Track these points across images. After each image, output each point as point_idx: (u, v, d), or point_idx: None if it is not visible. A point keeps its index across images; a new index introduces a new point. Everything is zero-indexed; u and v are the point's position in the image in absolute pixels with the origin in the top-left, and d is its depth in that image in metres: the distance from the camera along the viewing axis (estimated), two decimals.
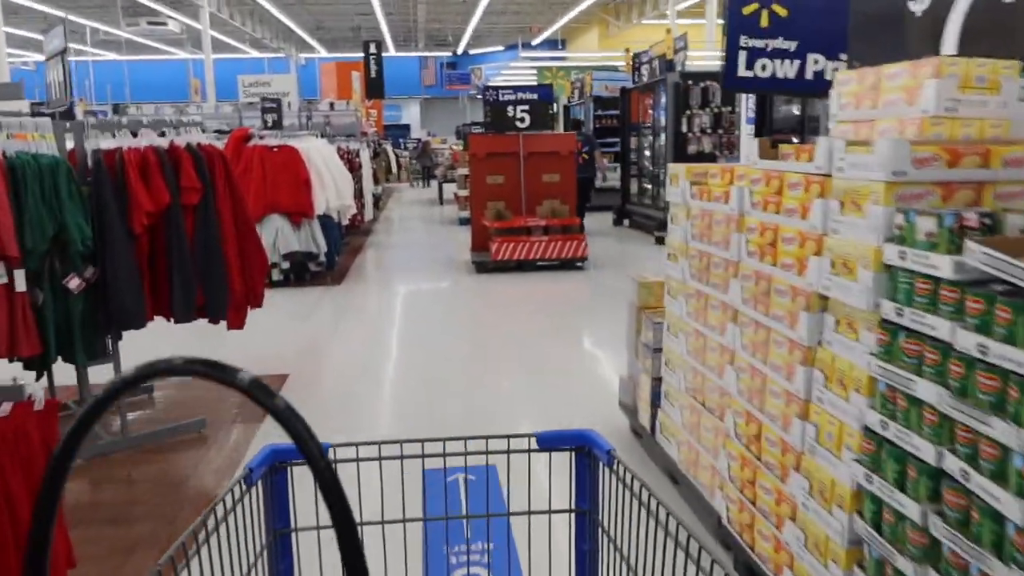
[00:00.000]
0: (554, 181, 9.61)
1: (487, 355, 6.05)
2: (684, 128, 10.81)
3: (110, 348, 4.27)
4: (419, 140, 31.90)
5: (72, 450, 0.68)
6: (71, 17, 27.70)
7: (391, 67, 33.48)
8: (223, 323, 4.44)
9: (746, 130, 8.73)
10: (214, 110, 17.01)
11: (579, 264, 9.18)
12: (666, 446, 3.49)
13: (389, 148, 25.03)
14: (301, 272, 8.73)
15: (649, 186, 12.38)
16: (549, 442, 1.38)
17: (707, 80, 10.74)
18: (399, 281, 9.35)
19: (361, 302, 8.25)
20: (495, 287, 8.57)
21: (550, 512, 1.40)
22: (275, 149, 8.39)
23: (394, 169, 24.76)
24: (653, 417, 3.67)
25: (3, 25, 13.11)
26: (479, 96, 37.69)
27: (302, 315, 7.60)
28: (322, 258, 8.69)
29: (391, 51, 36.81)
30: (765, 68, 3.84)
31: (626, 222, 13.35)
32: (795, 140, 5.73)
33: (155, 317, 4.35)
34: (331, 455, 1.33)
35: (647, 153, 12.51)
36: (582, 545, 1.40)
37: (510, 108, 9.44)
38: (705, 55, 14.14)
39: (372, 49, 25.88)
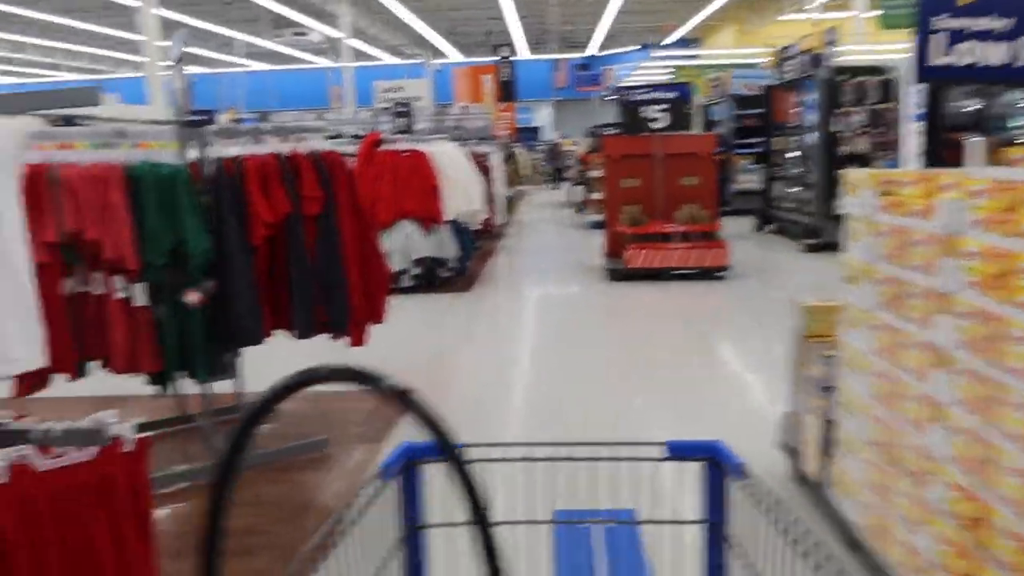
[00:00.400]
0: (693, 184, 9.00)
1: (620, 372, 5.57)
2: (835, 127, 9.91)
3: (230, 364, 4.10)
4: (550, 143, 31.66)
5: (236, 461, 0.69)
6: (224, 31, 29.19)
7: (523, 70, 33.40)
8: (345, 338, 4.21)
9: (911, 128, 7.84)
10: (352, 116, 17.34)
11: (719, 274, 8.53)
12: (842, 504, 2.92)
13: (521, 151, 24.88)
14: (431, 278, 8.53)
15: (795, 189, 11.49)
16: (679, 451, 1.36)
17: (862, 75, 9.81)
18: (529, 287, 9.02)
19: (491, 308, 7.96)
20: (629, 296, 8.07)
21: (678, 523, 1.38)
22: (405, 154, 8.22)
23: (525, 172, 24.57)
24: (824, 466, 3.10)
25: (158, 41, 13.78)
26: (610, 97, 37.10)
27: (432, 322, 7.37)
28: (452, 264, 8.46)
29: (523, 54, 36.78)
30: (967, 53, 3.19)
31: (768, 227, 12.49)
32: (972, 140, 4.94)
33: (275, 332, 4.15)
34: (465, 454, 1.30)
35: (793, 154, 11.63)
36: (713, 558, 1.38)
37: (645, 108, 8.90)
38: (857, 49, 13.05)
39: (504, 53, 25.82)
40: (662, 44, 32.48)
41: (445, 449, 0.67)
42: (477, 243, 11.49)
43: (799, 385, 3.41)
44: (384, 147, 8.29)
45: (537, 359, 5.98)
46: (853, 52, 12.67)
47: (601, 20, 29.67)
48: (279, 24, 28.38)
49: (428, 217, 8.22)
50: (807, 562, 1.03)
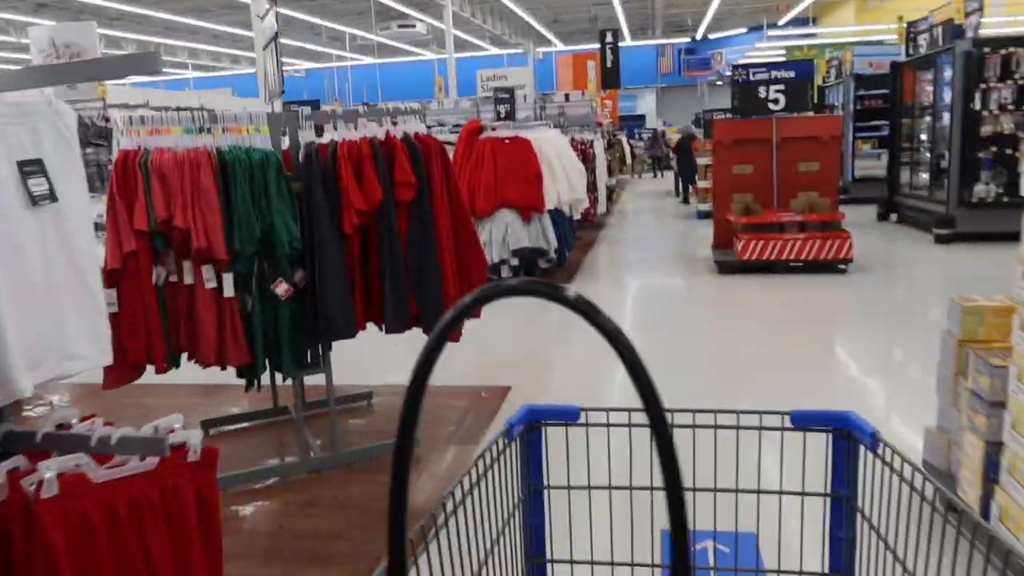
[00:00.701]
0: (813, 170, 8.37)
1: (726, 376, 5.13)
2: (977, 105, 9.02)
3: (320, 358, 3.93)
4: (653, 130, 30.86)
5: (420, 391, 0.67)
6: (332, 24, 29.77)
7: (627, 57, 32.65)
8: None
9: None
10: (454, 105, 17.25)
11: (841, 267, 7.89)
12: (1013, 540, 2.46)
13: (624, 139, 24.33)
14: (531, 269, 8.25)
15: (925, 175, 10.61)
16: (805, 421, 1.32)
17: (1010, 47, 8.88)
18: (632, 279, 8.59)
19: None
20: (740, 291, 7.56)
21: (803, 494, 1.33)
22: (507, 141, 7.95)
23: (628, 160, 24.01)
24: (985, 495, 2.64)
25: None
26: (719, 82, 35.85)
27: (527, 317, 7.10)
28: (552, 254, 8.15)
29: (627, 40, 36.00)
30: None
31: (893, 216, 11.61)
32: None
33: (367, 326, 3.95)
34: (583, 418, 1.37)
35: (923, 137, 10.74)
36: (837, 532, 1.32)
37: (762, 89, 8.33)
38: (999, 20, 11.94)
39: (608, 39, 25.25)
40: (776, 24, 31.10)
41: (636, 378, 0.62)
42: (578, 233, 11.15)
43: (952, 397, 2.93)
44: (485, 135, 8.05)
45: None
46: (997, 24, 11.58)
47: (712, 2, 28.66)
48: (385, 16, 28.77)
49: (529, 206, 7.94)
50: (946, 533, 0.97)
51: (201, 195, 3.39)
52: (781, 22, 31.30)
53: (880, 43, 15.89)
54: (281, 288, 3.50)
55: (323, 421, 4.34)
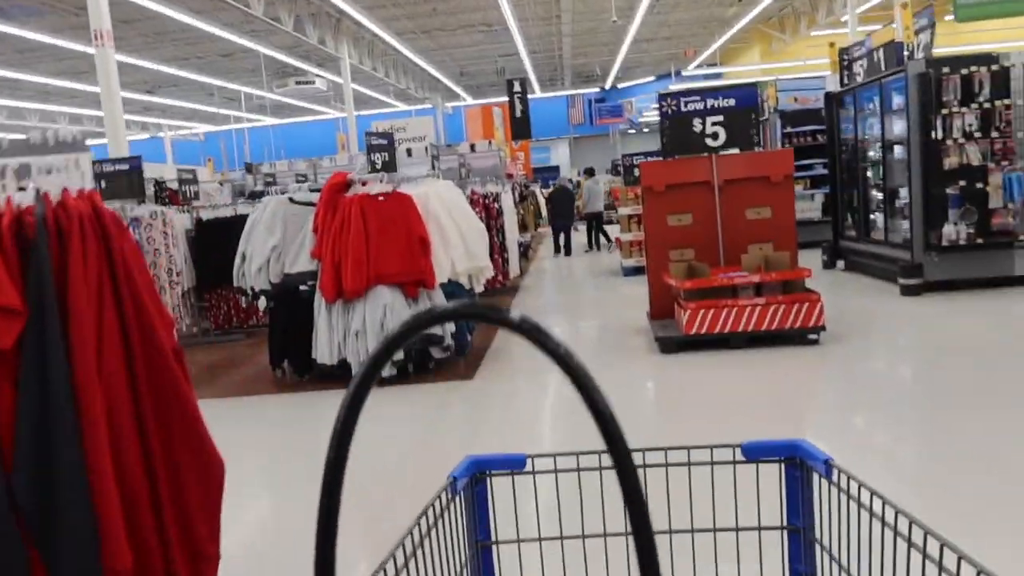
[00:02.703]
0: (764, 217, 6.70)
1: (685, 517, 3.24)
2: (939, 134, 7.57)
3: None
4: (561, 181, 29.53)
5: (356, 412, 0.63)
6: (224, 84, 27.58)
7: (537, 109, 31.45)
8: None
9: None
10: (348, 161, 15.42)
11: (811, 336, 6.18)
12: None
13: (537, 190, 22.79)
14: (421, 362, 6.28)
15: (878, 216, 9.15)
16: (756, 452, 1.25)
17: (971, 66, 7.48)
18: (554, 369, 6.64)
19: (501, 404, 5.64)
20: (688, 376, 5.73)
21: (760, 529, 1.27)
22: (381, 198, 6.03)
23: (544, 213, 22.42)
24: None
25: (121, 91, 11.85)
26: (631, 130, 35.00)
27: (420, 427, 5.12)
28: (448, 341, 6.20)
29: (537, 92, 34.93)
30: None
31: (840, 263, 10.13)
32: None
33: None
34: (529, 466, 1.28)
35: (869, 174, 9.31)
36: (796, 566, 1.27)
37: (697, 121, 6.66)
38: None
39: (516, 88, 23.89)
40: (681, 74, 30.45)
41: (586, 397, 0.56)
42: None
43: None
44: (353, 191, 6.12)
45: (568, 505, 3.65)
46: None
47: (619, 50, 27.73)
48: (282, 74, 26.82)
49: (413, 280, 6.00)
50: (911, 555, 0.90)
51: None
52: (688, 69, 30.68)
53: (800, 80, 14.74)
54: None
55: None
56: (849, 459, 3.57)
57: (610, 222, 15.24)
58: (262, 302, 6.43)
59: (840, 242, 10.11)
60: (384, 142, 6.80)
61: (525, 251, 14.42)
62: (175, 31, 21.28)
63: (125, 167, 6.56)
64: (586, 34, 26.44)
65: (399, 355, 5.97)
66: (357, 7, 19.55)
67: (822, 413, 4.88)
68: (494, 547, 1.31)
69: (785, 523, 1.25)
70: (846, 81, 9.89)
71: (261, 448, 5.03)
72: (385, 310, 5.88)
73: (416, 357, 6.22)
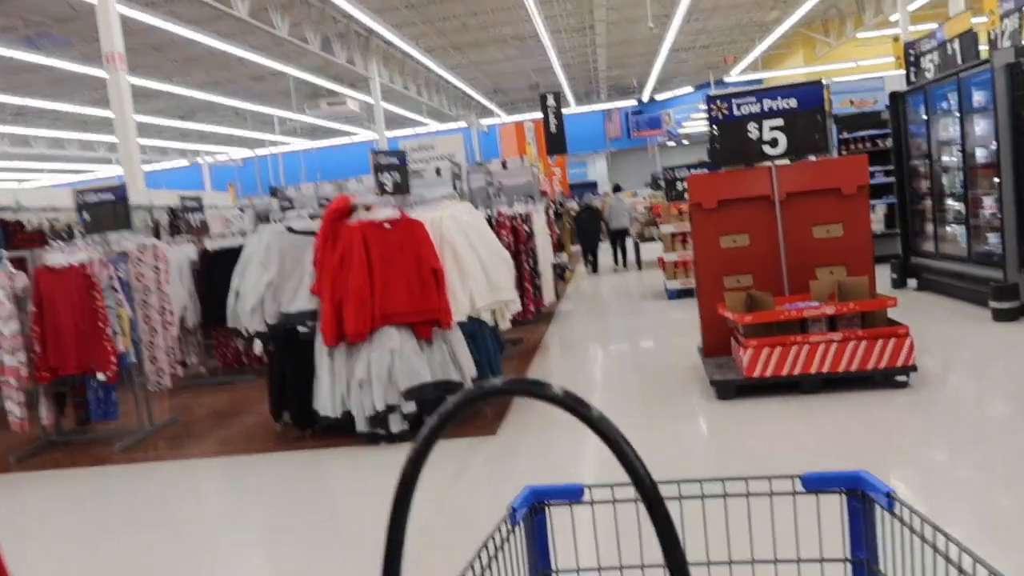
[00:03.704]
0: (835, 236, 5.72)
1: None
2: None
3: None
4: (587, 201, 28.58)
5: (415, 479, 0.66)
6: (256, 108, 27.25)
7: (573, 124, 30.60)
8: None
9: None
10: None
11: (900, 378, 5.15)
12: None
13: (575, 207, 21.85)
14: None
15: (956, 229, 8.06)
16: (817, 483, 1.22)
17: None
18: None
19: (529, 466, 4.70)
20: (758, 434, 4.72)
21: (822, 560, 1.23)
22: (387, 226, 5.18)
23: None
24: None
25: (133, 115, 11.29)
26: (670, 143, 33.92)
27: (435, 495, 4.23)
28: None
29: (573, 107, 34.10)
30: None
31: (912, 282, 9.03)
32: None
33: None
34: (587, 496, 1.27)
35: (944, 182, 8.23)
36: None
37: (753, 126, 5.71)
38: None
39: (550, 102, 23.06)
40: (722, 81, 29.35)
41: (623, 459, 0.61)
42: (514, 336, 8.34)
43: None
44: (356, 217, 5.28)
45: None
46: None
47: (656, 61, 26.77)
48: (314, 96, 26.40)
49: (427, 319, 5.14)
50: None
51: None
52: (729, 76, 29.58)
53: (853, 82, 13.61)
54: None
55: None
56: (977, 542, 2.61)
57: (651, 239, 14.24)
58: (257, 345, 5.62)
59: (911, 258, 9.00)
60: (395, 161, 5.96)
61: (561, 273, 13.51)
62: (204, 56, 20.92)
63: (110, 197, 5.82)
64: (621, 44, 25.55)
65: (410, 407, 5.10)
66: (386, 24, 18.94)
67: (925, 476, 3.88)
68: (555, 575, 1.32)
69: (848, 555, 1.21)
70: (913, 79, 8.82)
71: (242, 526, 4.18)
72: (393, 356, 5.02)
73: (431, 408, 5.34)
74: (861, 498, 1.19)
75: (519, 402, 5.98)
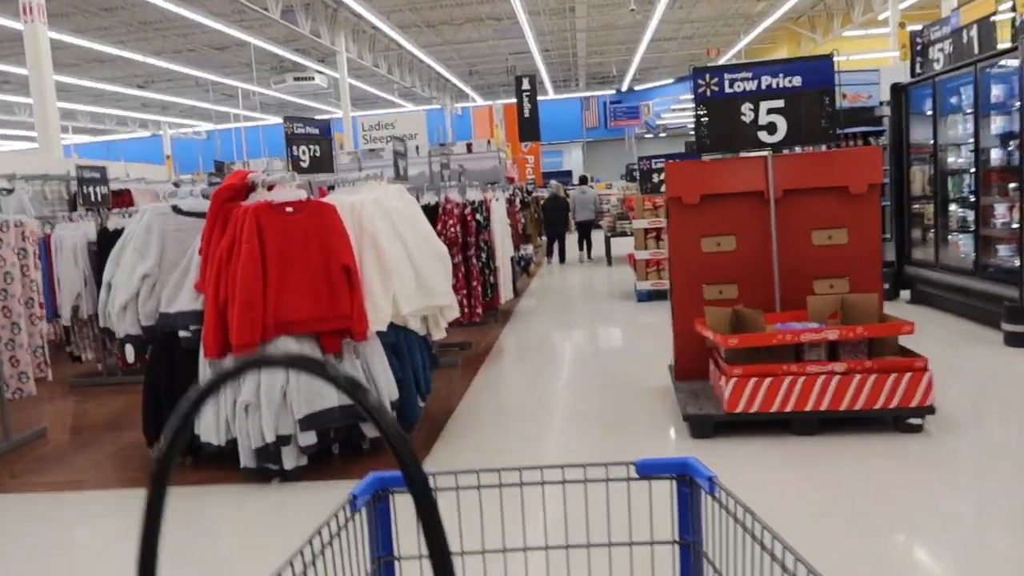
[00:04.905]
0: (838, 244, 4.73)
1: None
2: None
3: None
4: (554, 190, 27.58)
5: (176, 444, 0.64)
6: (220, 79, 25.80)
7: (550, 111, 29.49)
8: None
9: None
10: (347, 161, 13.56)
11: (914, 421, 4.19)
12: None
13: (546, 196, 20.82)
14: (349, 443, 4.35)
15: (963, 238, 7.15)
16: (649, 470, 1.30)
17: None
18: (533, 452, 4.54)
19: (462, 509, 3.70)
20: (741, 486, 3.73)
21: (652, 543, 1.32)
22: (289, 209, 4.10)
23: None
24: None
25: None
26: (647, 134, 32.93)
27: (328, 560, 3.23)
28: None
29: (550, 94, 33.03)
30: None
31: (904, 294, 8.14)
32: None
33: None
34: (432, 483, 1.20)
35: (951, 184, 7.31)
36: None
37: (748, 107, 4.70)
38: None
39: (525, 85, 21.95)
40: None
41: (393, 447, 0.60)
42: (463, 340, 7.28)
43: None
44: (254, 198, 4.20)
45: None
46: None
47: (637, 50, 25.75)
48: (280, 70, 25.05)
49: (336, 328, 4.08)
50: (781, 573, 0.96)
51: None
52: None
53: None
54: None
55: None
56: None
57: (623, 234, 13.27)
58: (129, 352, 4.52)
59: (906, 267, 8.09)
60: (315, 131, 4.86)
61: (526, 266, 12.49)
62: (160, 20, 19.51)
63: None
64: (602, 30, 24.50)
65: (309, 438, 4.04)
66: None
67: (951, 547, 2.90)
68: (396, 563, 1.32)
69: (676, 538, 1.27)
70: (919, 70, 7.88)
71: None
72: (288, 374, 3.96)
73: (342, 435, 4.28)
74: (688, 483, 1.24)
75: (458, 422, 4.93)
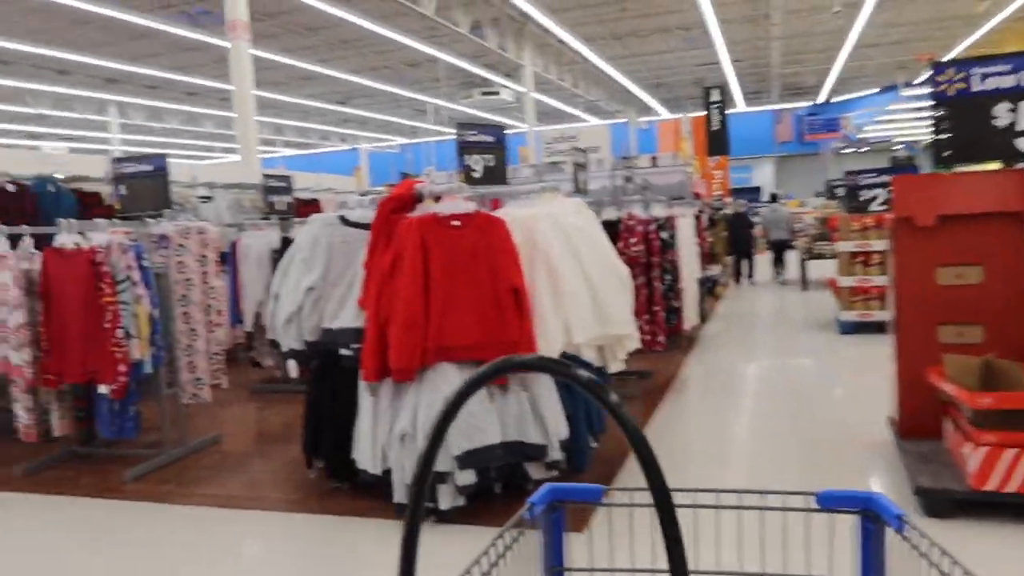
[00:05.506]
0: None
1: None
2: None
3: None
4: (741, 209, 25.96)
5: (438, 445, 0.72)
6: (412, 95, 26.80)
7: (739, 124, 28.08)
8: None
9: None
10: (530, 173, 13.46)
11: None
12: None
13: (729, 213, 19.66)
14: (514, 483, 3.93)
15: None
16: (831, 502, 1.21)
17: None
18: (723, 521, 3.95)
19: (628, 541, 3.19)
20: None
21: None
22: (456, 223, 3.76)
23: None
24: None
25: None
26: (846, 149, 30.59)
27: None
28: (555, 454, 3.81)
29: (740, 106, 31.53)
30: None
31: None
32: None
33: None
34: (606, 498, 1.30)
35: None
36: None
37: (1003, 108, 3.82)
38: None
39: (715, 97, 20.94)
40: (913, 83, 25.94)
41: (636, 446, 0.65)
42: (635, 380, 6.66)
43: None
44: (420, 211, 3.90)
45: None
46: None
47: (837, 58, 23.91)
48: (468, 85, 25.64)
49: (503, 356, 3.69)
50: None
51: None
52: (920, 79, 26.07)
53: None
54: None
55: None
56: None
57: (821, 256, 12.10)
58: (291, 366, 4.37)
59: None
60: (489, 138, 4.53)
61: (712, 287, 11.66)
62: (359, 39, 20.48)
63: (148, 167, 4.76)
64: (798, 38, 22.92)
65: (468, 477, 3.66)
66: (541, 9, 17.61)
67: None
68: (567, 574, 1.31)
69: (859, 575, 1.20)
70: None
71: None
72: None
73: (504, 475, 3.87)
74: (874, 520, 1.17)
75: (631, 466, 4.38)
